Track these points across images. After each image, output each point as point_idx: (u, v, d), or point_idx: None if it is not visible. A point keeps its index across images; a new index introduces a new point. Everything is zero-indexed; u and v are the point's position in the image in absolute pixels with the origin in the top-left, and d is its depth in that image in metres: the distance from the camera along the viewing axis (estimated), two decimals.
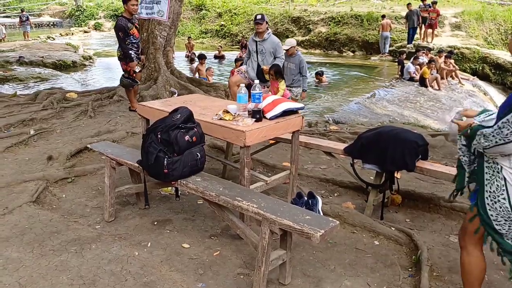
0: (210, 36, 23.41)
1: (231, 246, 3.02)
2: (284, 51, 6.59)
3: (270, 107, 3.24)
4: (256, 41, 6.16)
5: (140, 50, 6.60)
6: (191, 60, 16.68)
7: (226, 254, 2.92)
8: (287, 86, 7.07)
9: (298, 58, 6.98)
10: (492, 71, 15.87)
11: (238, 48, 19.45)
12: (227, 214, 2.75)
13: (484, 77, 15.64)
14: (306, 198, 3.38)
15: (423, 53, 14.91)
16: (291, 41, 7.07)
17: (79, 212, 3.51)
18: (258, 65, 6.19)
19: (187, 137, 2.87)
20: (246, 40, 19.27)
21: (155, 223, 3.34)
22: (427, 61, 14.02)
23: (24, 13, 21.02)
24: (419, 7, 16.39)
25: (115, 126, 6.00)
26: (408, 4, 16.49)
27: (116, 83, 9.19)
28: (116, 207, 3.46)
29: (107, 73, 13.91)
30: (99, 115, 6.61)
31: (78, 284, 2.52)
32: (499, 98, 14.40)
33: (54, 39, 21.33)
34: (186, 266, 2.76)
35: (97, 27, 26.67)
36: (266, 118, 3.16)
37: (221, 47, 18.65)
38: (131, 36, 6.30)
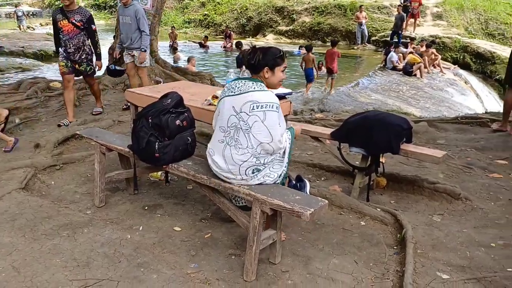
0: (194, 26, 23.27)
1: (221, 228, 3.08)
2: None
3: None
4: None
5: (76, 53, 5.37)
6: (174, 50, 16.66)
7: (217, 236, 2.98)
8: (125, 47, 5.90)
9: (134, 8, 5.63)
10: (473, 60, 16.16)
11: (222, 38, 19.40)
12: (218, 197, 2.80)
13: (465, 66, 15.93)
14: (294, 182, 3.45)
15: (408, 43, 15.15)
16: None
17: (69, 198, 3.53)
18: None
19: (178, 122, 2.90)
20: (230, 30, 19.25)
21: (146, 208, 3.37)
22: (409, 51, 14.24)
23: (19, 8, 21.07)
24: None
25: (101, 115, 5.98)
26: (398, 6, 16.74)
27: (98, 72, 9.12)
28: (106, 193, 3.48)
29: None
30: (84, 104, 6.57)
31: (72, 266, 2.55)
32: (480, 86, 14.70)
33: (34, 29, 20.98)
34: (178, 248, 2.81)
35: None
36: None
37: (206, 37, 18.55)
38: (60, 30, 5.30)
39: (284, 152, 2.63)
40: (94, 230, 2.96)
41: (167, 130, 2.83)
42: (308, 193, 3.32)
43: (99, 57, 5.60)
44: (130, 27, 5.75)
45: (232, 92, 2.55)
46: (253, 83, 2.53)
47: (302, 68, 11.16)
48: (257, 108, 2.46)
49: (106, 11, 26.97)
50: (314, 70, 10.82)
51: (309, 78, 10.89)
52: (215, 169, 2.64)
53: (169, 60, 12.39)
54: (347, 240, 3.00)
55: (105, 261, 2.61)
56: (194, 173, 2.79)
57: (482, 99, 13.43)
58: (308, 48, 11.01)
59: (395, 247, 2.92)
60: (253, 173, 2.54)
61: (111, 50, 6.52)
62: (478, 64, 16.07)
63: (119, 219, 3.18)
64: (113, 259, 2.63)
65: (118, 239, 2.85)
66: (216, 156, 2.62)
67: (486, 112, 7.96)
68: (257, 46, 2.67)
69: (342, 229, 3.16)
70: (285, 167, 2.68)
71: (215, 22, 22.34)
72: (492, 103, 12.88)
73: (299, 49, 16.82)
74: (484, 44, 16.68)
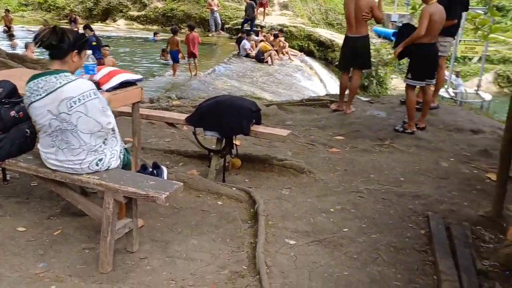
0: (32, 9, 21.02)
1: (73, 223, 2.91)
2: None
3: (106, 78, 3.14)
4: None
5: None
6: (10, 36, 15.00)
7: (68, 232, 2.81)
8: None
9: None
10: (316, 47, 17.70)
11: (66, 22, 17.92)
12: (66, 190, 2.63)
13: (310, 53, 17.38)
14: (151, 169, 3.41)
15: (259, 31, 15.92)
16: None
17: None
18: None
19: (12, 113, 2.65)
20: (75, 14, 17.88)
21: None
22: (260, 39, 15.01)
23: None
24: None
25: None
26: None
27: None
28: None
29: None
30: None
31: None
32: (323, 72, 16.22)
33: None
34: (23, 249, 2.58)
35: None
36: (103, 91, 3.07)
37: (46, 21, 16.89)
38: None
39: (113, 128, 2.56)
40: None
41: (0, 123, 2.56)
42: (165, 179, 3.33)
43: None
44: None
45: (38, 95, 2.33)
46: (56, 78, 2.33)
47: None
48: (75, 104, 2.32)
49: None
50: (180, 53, 11.26)
51: (175, 60, 11.32)
52: (55, 169, 2.49)
53: (4, 46, 11.05)
54: (205, 221, 3.09)
55: None
56: (36, 167, 2.58)
57: (325, 83, 14.87)
58: (174, 31, 11.48)
59: (249, 222, 3.11)
60: (97, 165, 2.47)
61: None
62: (321, 51, 17.69)
63: None
64: None
65: None
66: (51, 160, 2.47)
67: (326, 95, 8.82)
68: (57, 27, 2.43)
69: (201, 210, 3.25)
70: (121, 140, 2.65)
71: (57, 5, 20.45)
72: (334, 86, 14.34)
73: (154, 35, 16.50)
74: (325, 33, 18.41)
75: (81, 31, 11.22)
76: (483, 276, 2.57)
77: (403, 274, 2.58)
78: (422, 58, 4.97)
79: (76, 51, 2.42)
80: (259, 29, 16.57)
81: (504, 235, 2.95)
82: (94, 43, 9.41)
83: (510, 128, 3.06)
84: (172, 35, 11.46)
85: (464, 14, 6.49)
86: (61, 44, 2.36)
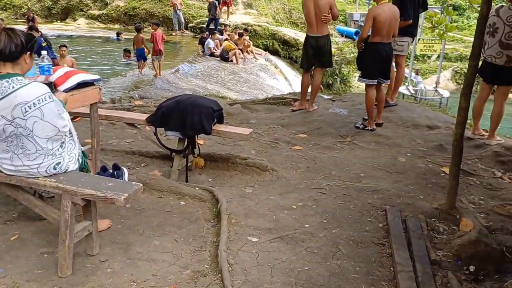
0: None
1: (31, 228, 2.84)
2: None
3: (62, 79, 3.08)
4: None
5: None
6: None
7: (26, 237, 2.74)
8: None
9: None
10: (281, 46, 17.84)
11: (24, 22, 17.33)
12: (22, 194, 2.57)
13: (275, 52, 17.50)
14: (111, 171, 3.37)
15: (223, 30, 15.89)
16: None
17: None
18: None
19: None
20: (33, 13, 17.30)
21: None
22: (224, 38, 14.99)
23: None
24: None
25: None
26: None
27: None
28: None
29: None
30: None
31: None
32: (287, 70, 16.35)
33: None
34: None
35: None
36: (59, 91, 3.01)
37: (2, 20, 16.26)
38: None
39: (69, 130, 2.53)
40: None
41: None
42: (126, 180, 3.30)
43: None
44: None
45: None
46: (8, 82, 2.26)
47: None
48: (30, 108, 2.26)
49: None
50: (145, 50, 11.11)
51: (141, 57, 11.21)
52: (11, 173, 2.43)
53: None
54: (167, 221, 3.08)
55: None
56: None
57: (290, 82, 15.00)
58: (137, 29, 11.32)
59: (212, 221, 3.12)
60: (54, 169, 2.43)
61: None
62: (285, 50, 17.84)
63: None
64: None
65: None
66: (6, 165, 2.41)
67: (289, 93, 8.91)
68: (9, 30, 2.36)
69: (163, 211, 3.23)
70: (78, 143, 2.61)
71: (13, 3, 19.73)
72: (299, 84, 14.46)
73: (117, 35, 16.19)
74: (289, 32, 18.57)
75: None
76: (437, 265, 2.68)
77: (362, 267, 2.66)
78: (369, 57, 5.11)
79: (28, 52, 2.37)
80: (223, 27, 16.55)
81: (457, 226, 3.09)
82: (44, 44, 9.12)
83: (460, 123, 3.20)
84: (136, 33, 11.31)
85: (423, 13, 6.69)
86: (13, 49, 2.30)
